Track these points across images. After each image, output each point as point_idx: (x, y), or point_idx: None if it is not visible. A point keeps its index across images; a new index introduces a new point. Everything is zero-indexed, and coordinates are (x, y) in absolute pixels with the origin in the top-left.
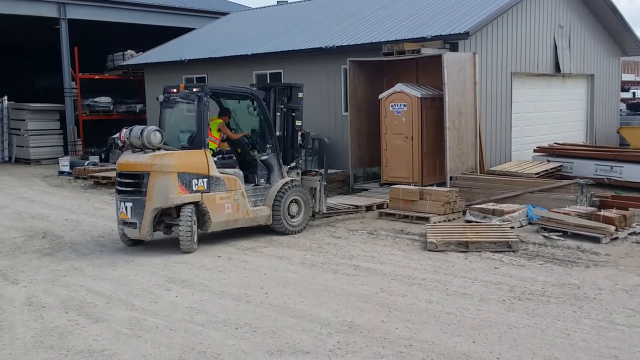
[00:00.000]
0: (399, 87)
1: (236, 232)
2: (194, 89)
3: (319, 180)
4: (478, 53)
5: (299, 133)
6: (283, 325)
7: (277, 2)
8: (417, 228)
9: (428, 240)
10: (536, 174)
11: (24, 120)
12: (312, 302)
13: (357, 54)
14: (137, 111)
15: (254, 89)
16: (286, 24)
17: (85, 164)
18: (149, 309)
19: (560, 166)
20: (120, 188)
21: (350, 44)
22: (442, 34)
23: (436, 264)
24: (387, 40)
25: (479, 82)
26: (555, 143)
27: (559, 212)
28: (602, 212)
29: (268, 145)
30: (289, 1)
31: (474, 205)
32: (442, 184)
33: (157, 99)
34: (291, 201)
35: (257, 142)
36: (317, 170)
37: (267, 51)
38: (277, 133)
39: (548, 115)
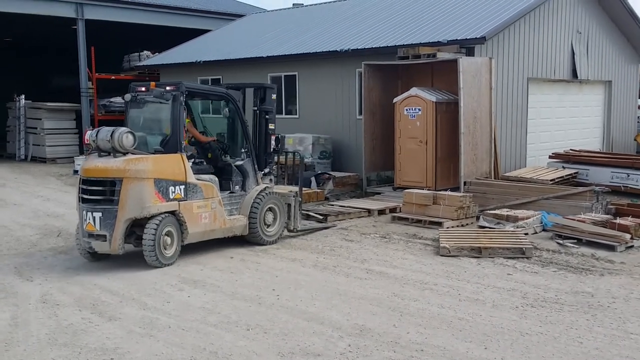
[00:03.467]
0: (413, 91)
1: None
2: (169, 88)
3: (294, 197)
4: (494, 58)
5: (273, 137)
6: (294, 327)
7: (293, 4)
8: (430, 233)
9: (441, 245)
10: (551, 180)
11: (40, 119)
12: (323, 305)
13: (372, 58)
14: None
15: (226, 88)
16: (301, 26)
17: None
18: (162, 309)
19: (576, 173)
20: (85, 196)
21: (366, 47)
22: (459, 38)
23: (449, 269)
24: (403, 44)
25: (495, 87)
26: (571, 149)
27: (574, 220)
28: (618, 220)
29: (243, 150)
30: (304, 4)
31: (488, 211)
32: (456, 189)
33: (124, 98)
34: (267, 209)
35: (229, 146)
36: (329, 173)
37: (282, 54)
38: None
39: (564, 121)
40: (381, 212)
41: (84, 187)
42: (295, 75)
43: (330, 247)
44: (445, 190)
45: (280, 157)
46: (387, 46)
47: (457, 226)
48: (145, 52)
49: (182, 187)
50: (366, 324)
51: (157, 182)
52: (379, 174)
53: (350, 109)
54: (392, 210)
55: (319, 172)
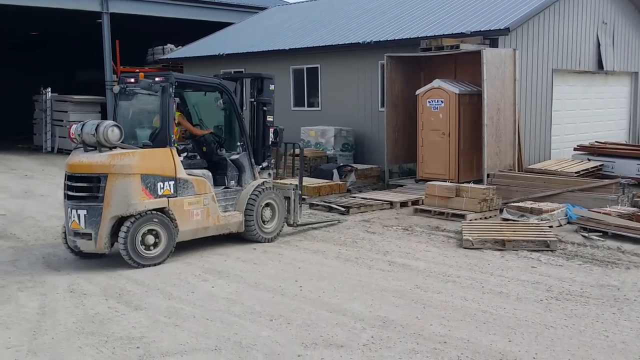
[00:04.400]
0: (436, 82)
1: None
2: (158, 79)
3: (294, 190)
4: (518, 49)
5: (271, 129)
6: (317, 318)
7: None
8: (452, 225)
9: (464, 237)
10: (576, 172)
11: (66, 111)
12: (346, 297)
13: (395, 50)
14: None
15: (222, 79)
16: (324, 19)
17: None
18: (186, 299)
19: (601, 165)
20: (70, 193)
21: (388, 39)
22: (482, 29)
23: (472, 261)
24: (426, 36)
25: (519, 79)
26: (596, 142)
27: (600, 212)
28: None
29: (239, 143)
30: None
31: (512, 204)
32: (479, 181)
33: (112, 90)
34: (264, 205)
35: (225, 140)
36: (351, 165)
37: (304, 46)
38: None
39: (590, 113)
40: (403, 204)
41: (69, 183)
42: (317, 67)
43: (353, 239)
44: (468, 182)
45: (279, 149)
46: (410, 38)
47: (480, 219)
48: (169, 45)
49: (172, 182)
50: (389, 315)
51: (144, 178)
52: (401, 166)
53: (372, 101)
54: (415, 202)
55: (341, 164)
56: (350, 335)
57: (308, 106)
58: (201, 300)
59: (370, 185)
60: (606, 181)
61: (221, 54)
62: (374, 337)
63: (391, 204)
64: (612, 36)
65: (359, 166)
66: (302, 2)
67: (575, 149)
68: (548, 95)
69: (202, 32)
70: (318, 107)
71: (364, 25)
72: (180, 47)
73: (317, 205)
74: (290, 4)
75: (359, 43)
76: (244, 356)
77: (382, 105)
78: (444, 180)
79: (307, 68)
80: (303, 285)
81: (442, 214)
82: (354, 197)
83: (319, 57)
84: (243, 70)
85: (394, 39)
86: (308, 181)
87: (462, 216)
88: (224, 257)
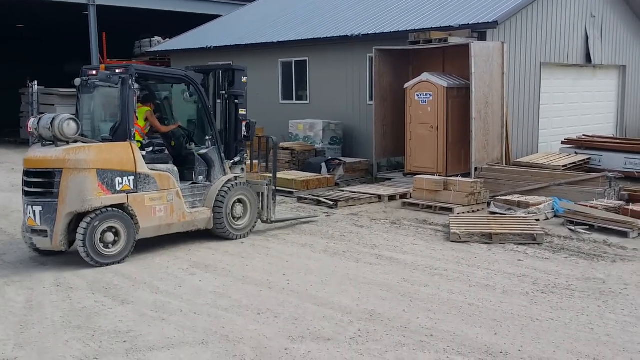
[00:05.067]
0: (425, 76)
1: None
2: (118, 70)
3: (267, 185)
4: (507, 42)
5: (244, 123)
6: (304, 312)
7: None
8: (440, 218)
9: (451, 231)
10: (563, 166)
11: (53, 105)
12: (333, 290)
13: (383, 43)
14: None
15: (191, 71)
16: (312, 11)
17: None
18: (173, 293)
19: (589, 159)
20: (27, 189)
21: (377, 32)
22: (470, 22)
23: (459, 255)
24: (414, 29)
25: (507, 72)
26: (584, 135)
27: (586, 206)
28: (631, 206)
29: (207, 137)
30: None
31: (499, 197)
32: (467, 174)
33: (74, 82)
34: (235, 201)
35: (195, 134)
36: (340, 159)
37: (293, 39)
38: (219, 123)
39: (577, 106)
40: (391, 198)
41: (26, 179)
42: (305, 60)
43: (341, 232)
44: (456, 176)
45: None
46: (398, 31)
47: (468, 212)
48: (156, 37)
49: (132, 178)
50: (376, 309)
51: (101, 173)
52: (389, 159)
53: (361, 95)
54: (403, 196)
55: (330, 157)
56: (338, 328)
57: (296, 99)
58: (188, 294)
59: (358, 178)
60: (593, 175)
61: (209, 46)
62: (360, 331)
63: (379, 197)
64: (600, 29)
65: (348, 160)
66: None
67: (562, 143)
68: (536, 89)
69: (190, 25)
70: (306, 100)
71: (353, 18)
72: (167, 39)
73: (306, 199)
74: None
75: (347, 36)
76: (231, 350)
77: (371, 99)
78: (432, 174)
79: (295, 61)
80: (290, 279)
81: (430, 207)
82: (342, 191)
83: (307, 50)
84: (231, 63)
85: (383, 32)
86: (296, 175)
87: (450, 210)
88: (211, 251)
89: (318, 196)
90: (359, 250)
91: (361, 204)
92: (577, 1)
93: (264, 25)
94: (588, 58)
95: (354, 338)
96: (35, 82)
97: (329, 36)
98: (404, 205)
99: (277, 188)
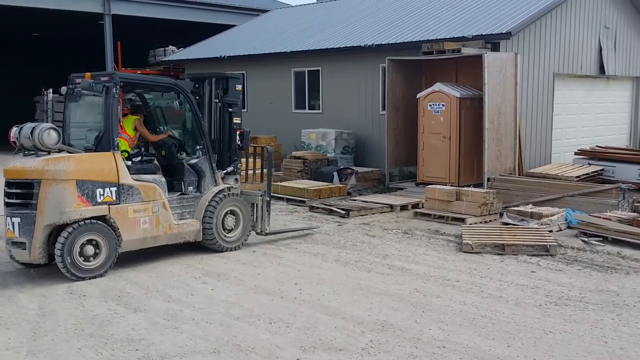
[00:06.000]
0: (437, 86)
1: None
2: (102, 79)
3: (261, 196)
4: (520, 53)
5: (237, 132)
6: (316, 321)
7: (317, 0)
8: (452, 229)
9: (464, 241)
10: (577, 177)
11: None
12: (345, 300)
13: (396, 53)
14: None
15: (187, 79)
16: (325, 22)
17: None
18: (186, 301)
19: (602, 170)
20: (7, 200)
21: (390, 42)
22: (484, 33)
23: (471, 265)
24: (427, 40)
25: (520, 83)
26: (597, 146)
27: (600, 217)
28: None
29: (198, 147)
30: None
31: (512, 208)
32: (479, 185)
33: (60, 91)
34: (227, 213)
35: (187, 143)
36: (352, 168)
37: (306, 49)
38: (212, 132)
39: (591, 117)
40: (403, 207)
41: (7, 189)
42: (318, 70)
43: (353, 242)
44: (469, 186)
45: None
46: (411, 41)
47: (480, 223)
48: (170, 47)
49: (114, 189)
50: (388, 319)
51: (81, 184)
52: (401, 169)
53: (373, 104)
54: (415, 206)
55: (342, 167)
56: (349, 338)
57: (309, 109)
58: (200, 303)
59: (370, 188)
60: (607, 186)
61: (223, 56)
62: (372, 341)
63: (391, 207)
64: (614, 41)
65: (360, 169)
66: (304, 5)
67: (576, 153)
68: (549, 100)
69: (204, 34)
70: (319, 109)
71: (366, 28)
72: (182, 48)
73: (317, 208)
74: (293, 6)
75: (360, 46)
76: (242, 359)
77: (383, 109)
78: (444, 184)
79: (308, 70)
80: (302, 288)
81: (442, 217)
82: (354, 200)
83: (320, 59)
84: (244, 72)
85: (396, 42)
86: (308, 184)
87: (462, 220)
88: (223, 260)
89: (330, 205)
90: (371, 260)
91: (373, 214)
92: (590, 12)
93: (277, 35)
94: (602, 69)
95: (366, 349)
96: (50, 90)
97: (342, 46)
98: (415, 215)
99: (289, 197)
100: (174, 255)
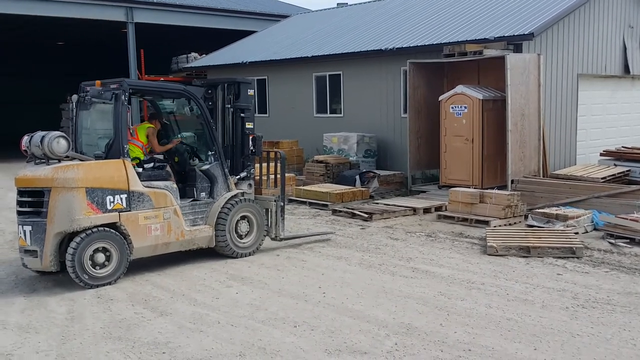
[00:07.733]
0: (459, 88)
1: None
2: (111, 86)
3: (275, 201)
4: (543, 54)
5: (250, 137)
6: (341, 325)
7: (337, 4)
8: (476, 231)
9: (488, 244)
10: (602, 178)
11: None
12: (369, 303)
13: (417, 56)
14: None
15: (199, 84)
16: (346, 26)
17: None
18: (211, 305)
19: (628, 171)
20: (19, 208)
21: (411, 45)
22: (506, 34)
23: (496, 268)
24: (449, 42)
25: (544, 84)
26: (623, 147)
27: (627, 218)
28: None
29: (210, 153)
30: (348, 3)
31: (537, 210)
32: (503, 187)
33: (71, 99)
34: (240, 218)
35: (199, 149)
36: (374, 171)
37: (327, 53)
38: (225, 138)
39: (616, 118)
40: (426, 210)
41: (18, 198)
42: (340, 74)
43: (376, 245)
44: (492, 188)
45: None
46: (433, 44)
47: (505, 225)
48: (192, 54)
49: (124, 196)
50: (412, 322)
51: (90, 192)
52: (423, 172)
53: (395, 108)
54: (438, 208)
55: (364, 170)
56: (374, 342)
57: (330, 113)
58: (226, 306)
59: (392, 191)
60: (633, 187)
61: (244, 62)
62: (397, 344)
63: (414, 210)
64: (638, 40)
65: (382, 172)
66: (324, 9)
67: (601, 154)
68: (573, 100)
69: (226, 41)
70: (340, 113)
71: (387, 32)
72: (204, 55)
73: (340, 211)
74: (312, 11)
75: (381, 50)
76: None
77: (405, 112)
78: (467, 187)
79: (329, 75)
80: (326, 292)
81: (465, 220)
82: (377, 204)
83: (341, 64)
84: (266, 78)
85: (417, 45)
86: (331, 187)
87: (486, 222)
88: (247, 263)
89: (352, 209)
90: (395, 263)
91: (396, 217)
92: (614, 12)
93: (298, 40)
94: (626, 69)
95: (391, 352)
96: (75, 97)
97: (362, 50)
98: (439, 218)
99: (311, 201)
100: (199, 259)
